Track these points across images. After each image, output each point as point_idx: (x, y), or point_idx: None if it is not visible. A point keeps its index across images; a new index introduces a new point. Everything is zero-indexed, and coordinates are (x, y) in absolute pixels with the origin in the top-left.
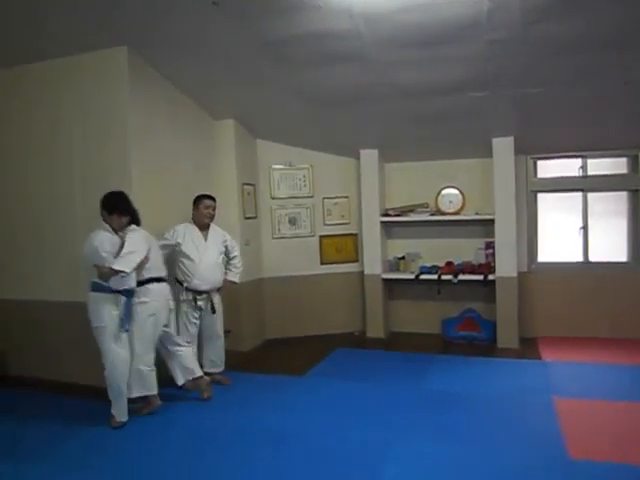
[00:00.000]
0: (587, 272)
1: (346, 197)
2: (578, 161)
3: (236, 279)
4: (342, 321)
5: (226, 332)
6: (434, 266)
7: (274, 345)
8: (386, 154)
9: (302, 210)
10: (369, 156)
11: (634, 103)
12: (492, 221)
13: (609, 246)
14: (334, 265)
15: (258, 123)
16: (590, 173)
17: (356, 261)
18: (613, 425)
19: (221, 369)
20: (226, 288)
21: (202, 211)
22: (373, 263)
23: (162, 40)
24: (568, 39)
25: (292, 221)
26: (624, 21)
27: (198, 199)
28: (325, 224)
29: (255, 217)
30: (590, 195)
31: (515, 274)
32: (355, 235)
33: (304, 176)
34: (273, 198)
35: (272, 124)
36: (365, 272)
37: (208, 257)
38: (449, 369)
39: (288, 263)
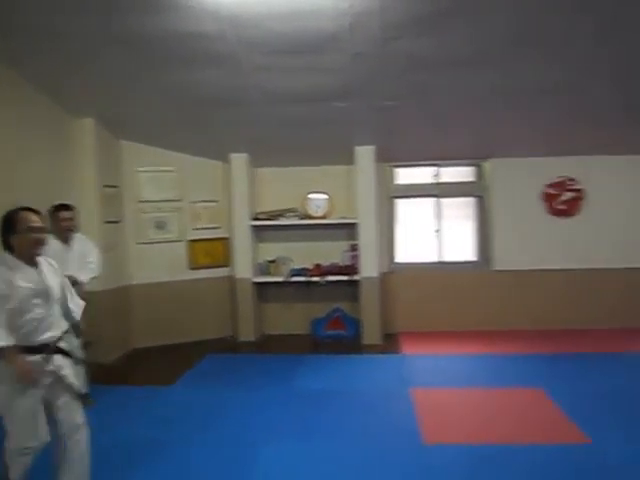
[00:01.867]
0: (441, 271)
1: (216, 201)
2: (432, 169)
3: (84, 278)
4: (214, 326)
5: (86, 344)
6: (304, 268)
7: (142, 354)
8: (256, 159)
9: (170, 214)
10: (239, 160)
11: (478, 119)
12: (356, 225)
13: (460, 247)
14: (204, 270)
15: (123, 123)
16: (443, 180)
17: (227, 265)
18: (462, 410)
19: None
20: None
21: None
22: (244, 267)
23: (7, 25)
24: (421, 56)
25: (160, 225)
26: (470, 42)
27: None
28: (194, 228)
29: (118, 221)
30: (443, 200)
31: (377, 274)
32: (225, 239)
33: (172, 179)
34: (140, 202)
35: (138, 125)
36: (236, 276)
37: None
38: (317, 368)
39: (156, 269)
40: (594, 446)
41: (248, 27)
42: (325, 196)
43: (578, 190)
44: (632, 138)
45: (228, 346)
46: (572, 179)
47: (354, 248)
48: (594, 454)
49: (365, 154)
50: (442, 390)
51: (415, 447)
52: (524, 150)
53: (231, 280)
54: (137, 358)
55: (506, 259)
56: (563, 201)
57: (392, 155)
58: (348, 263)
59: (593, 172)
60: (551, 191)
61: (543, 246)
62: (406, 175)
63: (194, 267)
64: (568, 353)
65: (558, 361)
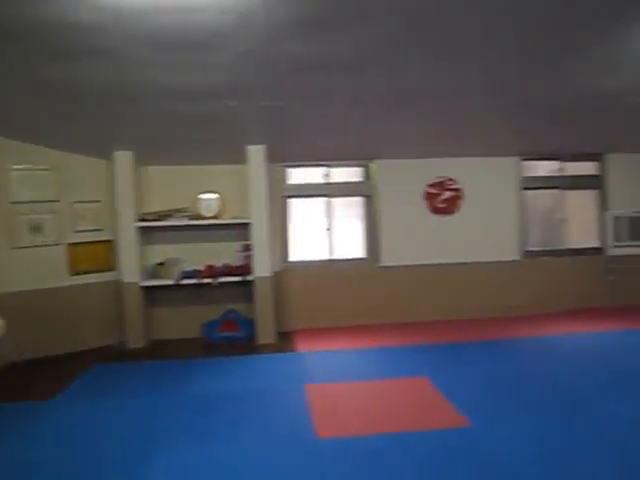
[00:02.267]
0: (333, 268)
1: (98, 201)
2: (323, 169)
3: None
4: (101, 334)
5: None
6: (195, 270)
7: (18, 368)
8: (143, 157)
9: (47, 216)
10: (123, 158)
11: (364, 121)
12: (249, 225)
13: (350, 244)
14: (87, 275)
15: None
16: (333, 180)
17: (112, 269)
18: (354, 403)
19: None
20: None
21: None
22: (131, 271)
23: None
24: (307, 58)
25: (35, 228)
26: (354, 45)
27: None
28: (75, 231)
29: None
30: (334, 200)
31: (269, 273)
32: (110, 242)
33: (49, 178)
34: (13, 203)
35: (10, 120)
36: (123, 280)
37: None
38: (211, 371)
39: (33, 275)
40: (473, 429)
41: (131, 20)
42: (216, 196)
43: (457, 189)
44: (505, 141)
45: (116, 354)
46: (451, 179)
47: (247, 248)
48: (473, 436)
49: (256, 153)
50: (335, 385)
51: (308, 442)
52: (408, 151)
53: (117, 285)
54: (12, 373)
55: (392, 255)
56: (443, 200)
57: (283, 155)
58: (241, 263)
59: (470, 172)
60: (432, 190)
61: (426, 242)
62: (298, 175)
63: (76, 272)
64: (452, 342)
65: (443, 350)
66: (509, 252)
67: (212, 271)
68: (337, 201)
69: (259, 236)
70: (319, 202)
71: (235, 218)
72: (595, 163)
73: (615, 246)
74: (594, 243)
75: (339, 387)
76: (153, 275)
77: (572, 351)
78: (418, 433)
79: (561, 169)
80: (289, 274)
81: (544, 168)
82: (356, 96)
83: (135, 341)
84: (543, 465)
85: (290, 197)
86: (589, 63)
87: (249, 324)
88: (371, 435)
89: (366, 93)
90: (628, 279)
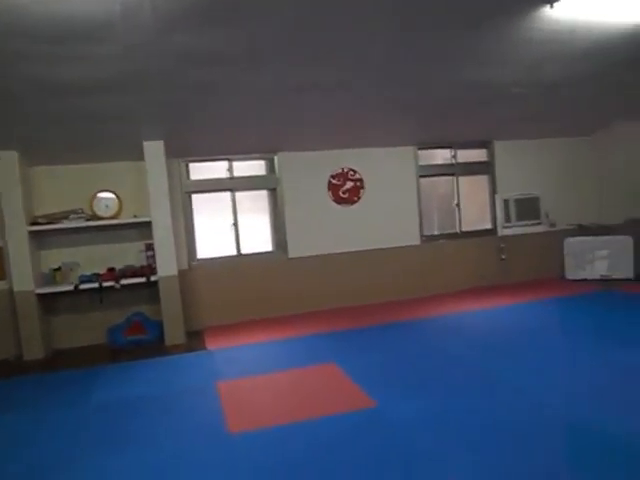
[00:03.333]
0: (241, 263)
1: None
2: (225, 164)
3: None
4: None
5: None
6: (95, 274)
7: None
8: (30, 156)
9: None
10: (7, 159)
11: (264, 114)
12: (150, 223)
13: (258, 238)
14: None
15: None
16: (236, 175)
17: (2, 278)
18: (265, 395)
19: None
20: None
21: None
22: (23, 278)
23: None
24: (198, 51)
25: None
26: (247, 39)
27: None
28: None
29: None
30: (238, 194)
31: (175, 272)
32: None
33: None
34: None
35: None
36: (15, 289)
37: None
38: (118, 378)
39: None
40: (379, 408)
41: (7, 10)
42: (113, 195)
43: (358, 179)
44: (401, 131)
45: (12, 368)
46: (353, 170)
47: (149, 248)
48: (379, 415)
49: (154, 149)
50: (246, 379)
51: (220, 438)
52: (310, 144)
53: (9, 294)
54: None
55: (299, 247)
56: (346, 190)
57: (184, 150)
58: (144, 264)
59: (370, 162)
60: (335, 181)
61: (331, 232)
62: (201, 170)
63: None
64: (359, 327)
65: (350, 336)
66: (410, 237)
67: (113, 274)
68: (242, 195)
69: (161, 234)
70: (224, 197)
71: (135, 217)
72: (485, 150)
73: (505, 227)
74: (487, 225)
75: (250, 381)
76: (49, 282)
77: (470, 327)
78: (327, 417)
79: (454, 156)
80: (196, 272)
81: (439, 156)
82: (254, 89)
83: (32, 352)
84: (442, 436)
85: (193, 193)
86: (474, 57)
87: (156, 326)
88: (282, 425)
89: (264, 87)
90: (517, 257)
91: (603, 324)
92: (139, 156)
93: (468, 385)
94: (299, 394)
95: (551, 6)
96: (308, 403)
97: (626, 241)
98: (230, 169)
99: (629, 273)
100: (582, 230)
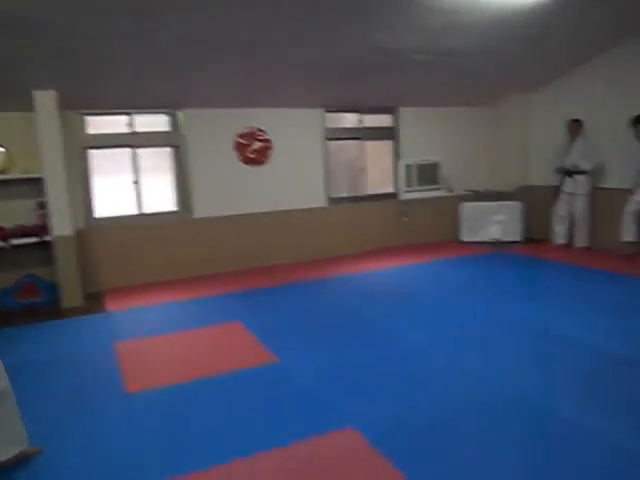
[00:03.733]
0: (143, 222)
1: None
2: (127, 118)
3: None
4: None
5: None
6: None
7: None
8: None
9: None
10: None
11: (169, 68)
12: (42, 179)
13: (161, 197)
14: None
15: None
16: (138, 130)
17: None
18: (166, 354)
19: None
20: None
21: None
22: None
23: None
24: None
25: None
26: None
27: None
28: None
29: None
30: (140, 151)
31: (71, 232)
32: None
33: None
34: None
35: None
36: None
37: None
38: (9, 343)
39: None
40: (281, 363)
41: None
42: (2, 148)
43: (266, 140)
44: (310, 94)
45: None
46: (261, 129)
47: (42, 206)
48: (281, 369)
49: (45, 100)
50: (147, 339)
51: (119, 397)
52: (216, 101)
53: None
54: None
55: (205, 207)
56: (254, 150)
57: (81, 102)
58: (37, 223)
59: (279, 123)
60: (242, 141)
61: (238, 192)
62: (101, 124)
63: None
64: (265, 287)
65: (256, 295)
66: (317, 199)
67: (3, 232)
68: (144, 152)
69: (55, 192)
70: (124, 153)
71: (25, 173)
72: (390, 116)
73: (407, 191)
74: (390, 189)
75: (151, 341)
76: None
77: (371, 286)
78: (230, 374)
79: (360, 121)
80: (95, 231)
81: (349, 120)
82: (158, 41)
83: None
84: (339, 386)
85: (91, 148)
86: (379, 20)
87: (51, 288)
88: (183, 382)
89: (168, 39)
90: (417, 220)
91: (493, 281)
92: (29, 107)
93: (365, 339)
94: (202, 353)
95: None
96: (211, 361)
97: (516, 207)
98: (131, 124)
99: (518, 236)
100: (477, 196)
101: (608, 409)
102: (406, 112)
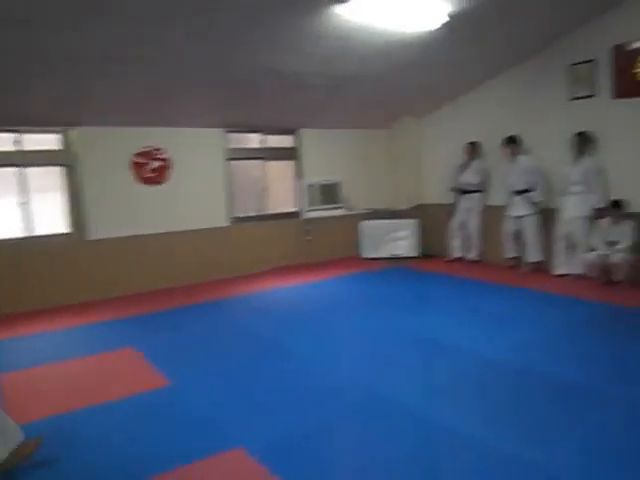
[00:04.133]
0: (31, 245)
1: None
2: (13, 135)
3: None
4: None
5: None
6: None
7: None
8: None
9: None
10: None
11: (59, 84)
12: None
13: (52, 219)
14: None
15: None
16: (26, 148)
17: None
18: (53, 384)
19: None
20: None
21: None
22: None
23: None
24: None
25: None
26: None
27: None
28: None
29: None
30: (29, 170)
31: None
32: None
33: None
34: None
35: None
36: None
37: None
38: None
39: None
40: (172, 386)
41: None
42: None
43: (165, 159)
44: (210, 113)
45: None
46: (158, 148)
47: None
48: (171, 393)
49: None
50: (34, 369)
51: None
52: (112, 119)
53: None
54: None
55: (101, 228)
56: (151, 169)
57: None
58: None
59: (178, 142)
60: (139, 160)
61: (136, 213)
62: None
63: None
64: (161, 310)
65: (151, 319)
66: (218, 219)
67: None
68: (32, 171)
69: None
70: (10, 173)
71: None
72: (291, 137)
73: (309, 210)
74: (293, 208)
75: (38, 371)
76: None
77: (272, 304)
78: (118, 400)
79: (263, 141)
80: None
81: (255, 141)
82: (45, 56)
83: None
84: (230, 404)
85: None
86: (276, 45)
87: None
88: (70, 412)
89: (56, 54)
90: (320, 238)
91: (387, 295)
92: None
93: (260, 357)
94: (91, 380)
95: (339, 6)
96: (99, 388)
97: (412, 224)
98: (19, 142)
99: (415, 252)
100: (377, 214)
101: (486, 414)
102: (307, 133)
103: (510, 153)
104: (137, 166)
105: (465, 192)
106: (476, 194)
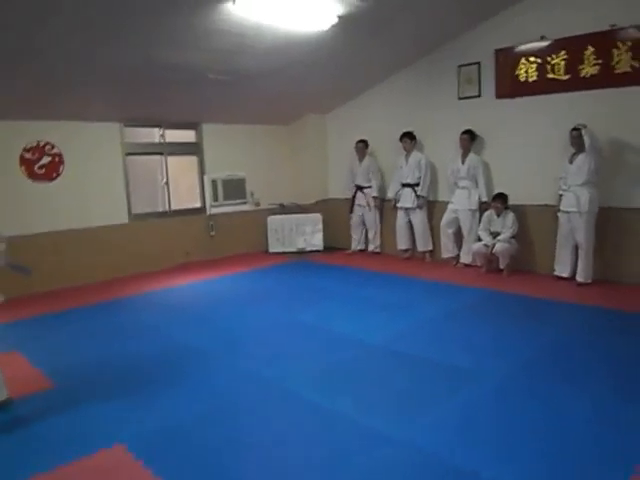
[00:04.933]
0: None
1: None
2: None
3: None
4: None
5: None
6: None
7: None
8: None
9: None
10: None
11: None
12: None
13: None
14: None
15: None
16: None
17: None
18: None
19: None
20: None
21: None
22: None
23: None
24: None
25: None
26: None
27: None
28: None
29: None
30: None
31: None
32: None
33: None
34: None
35: None
36: None
37: None
38: None
39: None
40: (56, 389)
41: None
42: None
43: (57, 154)
44: (105, 107)
45: None
46: (50, 143)
47: None
48: (55, 396)
49: None
50: None
51: None
52: None
53: None
54: None
55: None
56: (42, 165)
57: None
58: None
59: (72, 137)
60: (29, 155)
61: (28, 211)
62: None
63: None
64: (54, 312)
65: (44, 321)
66: (118, 216)
67: None
68: None
69: None
70: None
71: None
72: (193, 132)
73: (213, 205)
74: (197, 204)
75: None
76: None
77: (173, 301)
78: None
79: (162, 136)
80: None
81: (156, 135)
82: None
83: None
84: (112, 401)
85: None
86: (166, 40)
87: None
88: None
89: None
90: (226, 233)
91: (288, 288)
92: None
93: (152, 353)
94: None
95: (233, 2)
96: None
97: (317, 218)
98: None
99: (320, 245)
100: (283, 209)
101: (369, 399)
102: (209, 128)
103: (404, 148)
104: (27, 162)
105: (361, 188)
106: (370, 189)
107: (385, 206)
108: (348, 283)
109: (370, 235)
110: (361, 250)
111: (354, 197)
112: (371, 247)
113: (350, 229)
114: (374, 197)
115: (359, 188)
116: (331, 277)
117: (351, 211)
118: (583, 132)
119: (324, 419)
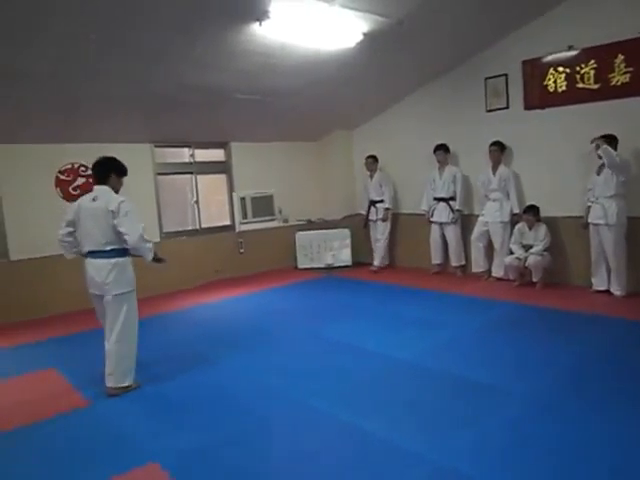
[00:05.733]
0: None
1: None
2: None
3: None
4: None
5: None
6: None
7: None
8: None
9: None
10: None
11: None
12: None
13: None
14: None
15: None
16: None
17: None
18: None
19: None
20: None
21: None
22: None
23: None
24: None
25: None
26: None
27: None
28: None
29: None
30: None
31: None
32: None
33: None
34: None
35: None
36: None
37: None
38: None
39: None
40: (93, 407)
41: None
42: None
43: (91, 176)
44: (136, 128)
45: None
46: (84, 165)
47: None
48: (93, 413)
49: None
50: None
51: None
52: (35, 136)
53: None
54: None
55: (25, 248)
56: (76, 186)
57: None
58: None
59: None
60: (64, 177)
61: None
62: None
63: None
64: (87, 331)
65: (76, 340)
66: (149, 235)
67: None
68: None
69: None
70: None
71: None
72: (222, 150)
73: (242, 223)
74: (226, 221)
75: None
76: None
77: (204, 318)
78: (43, 421)
79: (192, 155)
80: None
81: (177, 155)
82: None
83: None
84: (147, 420)
85: None
86: (196, 62)
87: None
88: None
89: None
90: (255, 250)
91: (320, 304)
92: None
93: (183, 370)
94: (13, 403)
95: (260, 24)
96: (23, 411)
97: (345, 234)
98: None
99: (348, 261)
100: (310, 225)
101: (391, 414)
102: (238, 147)
103: (438, 161)
104: (62, 183)
105: (374, 203)
106: (381, 204)
107: (398, 219)
108: (378, 299)
109: (384, 251)
110: (389, 265)
111: (368, 212)
112: (377, 262)
113: (371, 244)
114: (386, 209)
115: (372, 203)
116: (360, 292)
117: (365, 226)
118: (599, 151)
119: (356, 438)
